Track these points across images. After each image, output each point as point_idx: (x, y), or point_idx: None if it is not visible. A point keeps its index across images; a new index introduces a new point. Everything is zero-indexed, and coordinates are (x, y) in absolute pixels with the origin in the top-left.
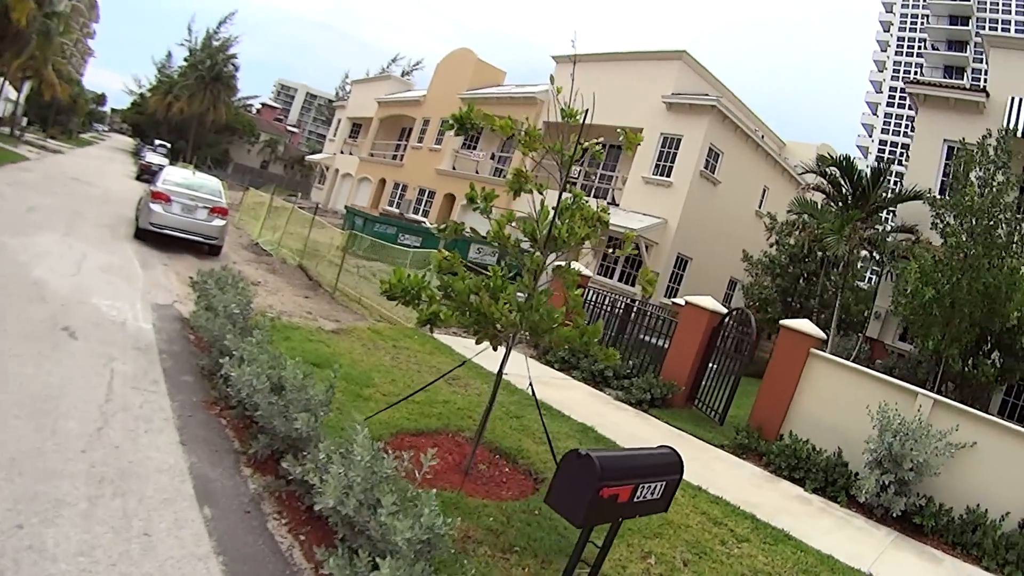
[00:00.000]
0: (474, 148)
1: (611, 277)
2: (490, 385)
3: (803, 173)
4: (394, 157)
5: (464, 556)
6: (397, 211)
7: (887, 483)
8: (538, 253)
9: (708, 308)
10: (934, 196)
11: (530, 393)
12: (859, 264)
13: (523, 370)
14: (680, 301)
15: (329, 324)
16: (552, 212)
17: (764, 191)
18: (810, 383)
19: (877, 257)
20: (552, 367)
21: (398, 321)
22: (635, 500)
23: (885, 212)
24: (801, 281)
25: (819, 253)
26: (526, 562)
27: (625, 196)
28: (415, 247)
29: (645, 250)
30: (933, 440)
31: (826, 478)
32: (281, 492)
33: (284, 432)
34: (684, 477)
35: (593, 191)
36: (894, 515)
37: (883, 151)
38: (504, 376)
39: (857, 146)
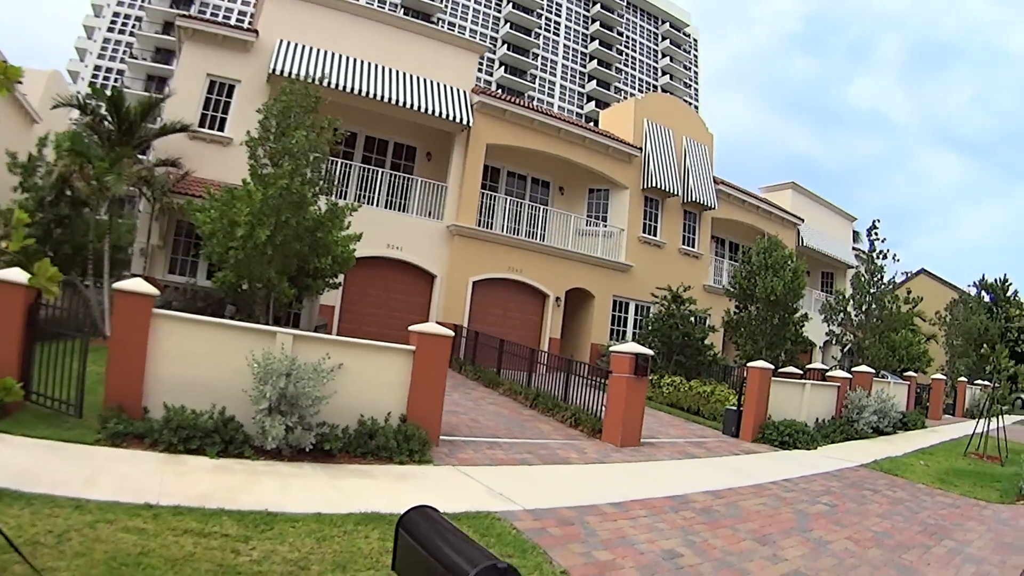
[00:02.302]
0: None
1: None
2: None
3: (56, 107)
4: None
5: None
6: None
7: (291, 424)
8: None
9: (15, 282)
10: (252, 137)
11: None
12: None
13: None
14: None
15: None
16: None
17: None
18: (164, 346)
19: (148, 193)
20: None
21: None
22: None
23: (146, 147)
24: (54, 227)
25: (68, 193)
26: None
27: None
28: None
29: None
30: (318, 373)
31: (222, 439)
32: None
33: None
34: (119, 499)
35: None
36: (306, 449)
37: (97, 76)
38: None
39: (68, 71)
